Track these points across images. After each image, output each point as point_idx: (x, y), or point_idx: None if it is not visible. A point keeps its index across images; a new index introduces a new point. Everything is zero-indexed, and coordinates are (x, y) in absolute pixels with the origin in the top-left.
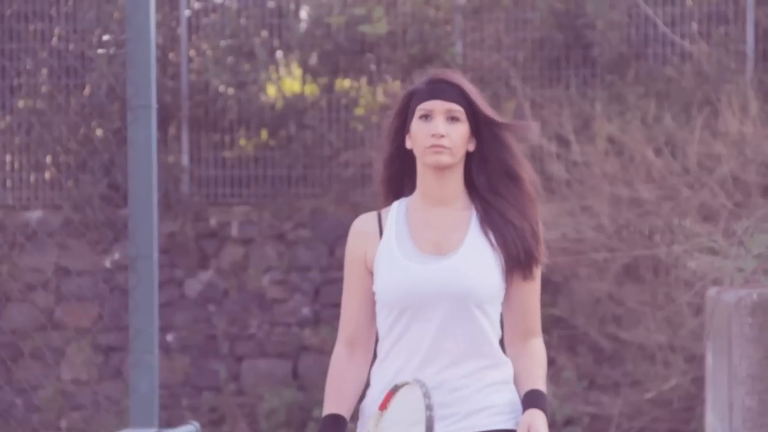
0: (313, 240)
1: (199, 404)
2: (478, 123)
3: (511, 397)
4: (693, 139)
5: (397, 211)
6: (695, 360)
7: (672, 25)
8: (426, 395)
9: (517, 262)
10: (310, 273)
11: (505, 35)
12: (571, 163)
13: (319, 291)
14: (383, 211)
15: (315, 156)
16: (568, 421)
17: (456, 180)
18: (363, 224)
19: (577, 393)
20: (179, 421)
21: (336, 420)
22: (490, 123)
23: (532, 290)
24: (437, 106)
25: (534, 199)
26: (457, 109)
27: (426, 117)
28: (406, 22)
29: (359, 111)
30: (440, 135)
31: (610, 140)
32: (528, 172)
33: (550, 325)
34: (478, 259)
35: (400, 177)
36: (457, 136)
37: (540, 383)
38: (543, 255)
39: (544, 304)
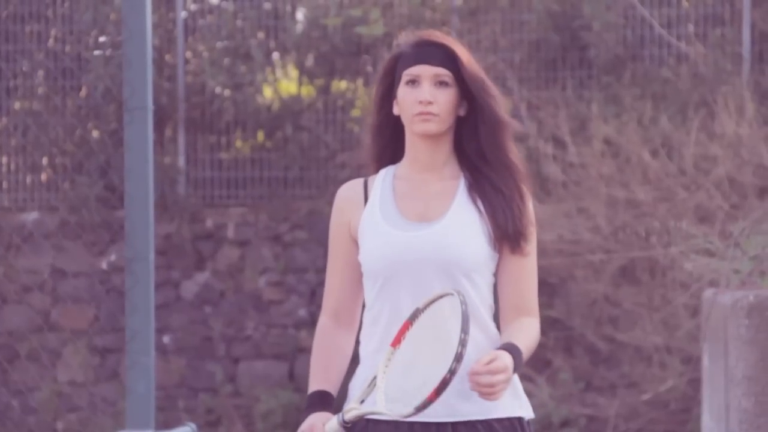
0: (309, 241)
1: (195, 406)
2: (469, 86)
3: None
4: (689, 141)
5: (383, 178)
6: (692, 361)
7: (668, 26)
8: (459, 293)
9: (505, 231)
10: (306, 275)
11: (502, 37)
12: (568, 164)
13: (315, 293)
14: (370, 179)
15: (311, 157)
16: (565, 423)
17: (445, 147)
18: (348, 191)
19: (573, 394)
20: (176, 423)
21: (322, 396)
22: (480, 88)
23: (522, 266)
24: (424, 71)
25: (520, 175)
26: (445, 74)
27: (413, 82)
28: (402, 23)
29: (356, 112)
30: (427, 101)
31: (607, 142)
32: (514, 152)
33: (546, 327)
34: (464, 226)
35: (392, 150)
36: (446, 101)
37: (519, 342)
38: (529, 230)
39: (540, 306)
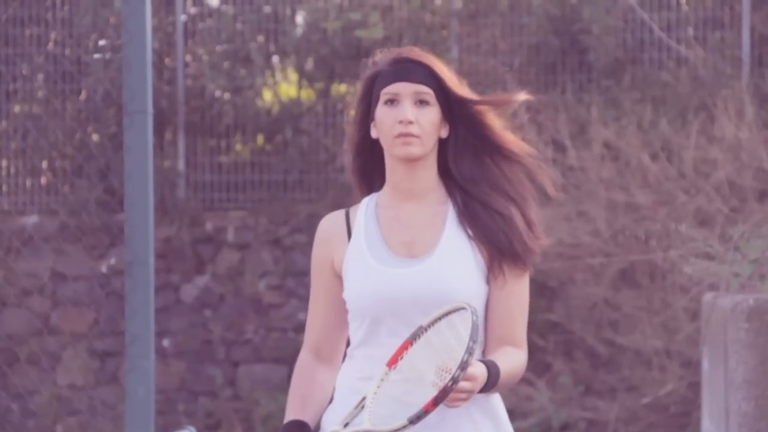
0: (309, 245)
1: (195, 409)
2: (451, 105)
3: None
4: (689, 144)
5: (366, 208)
6: (691, 365)
7: (668, 30)
8: (470, 305)
9: (510, 254)
10: (306, 278)
11: (501, 40)
12: (567, 168)
13: None
14: (351, 210)
15: (311, 161)
16: (565, 427)
17: (429, 171)
18: (330, 224)
19: (573, 398)
20: (175, 427)
21: (300, 426)
22: (465, 103)
23: (515, 292)
24: (403, 88)
25: (528, 179)
26: (426, 92)
27: (392, 102)
28: (402, 27)
29: None
30: (408, 121)
31: (606, 145)
32: (520, 147)
33: (546, 331)
34: (456, 260)
35: (372, 167)
36: (427, 121)
37: (499, 362)
38: (538, 244)
39: (540, 310)
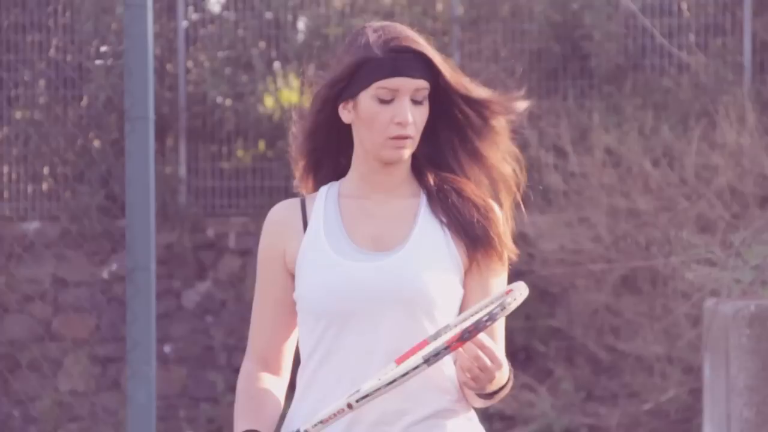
0: None
1: (196, 415)
2: (441, 96)
3: None
4: (690, 150)
5: (326, 197)
6: (693, 371)
7: (669, 36)
8: (522, 286)
9: (485, 244)
10: None
11: (503, 46)
12: (569, 174)
13: None
14: (308, 198)
15: None
16: None
17: (406, 165)
18: (282, 213)
19: (574, 404)
20: None
21: None
22: (463, 98)
23: (494, 292)
24: (404, 85)
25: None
26: (425, 88)
27: (388, 98)
28: None
29: None
30: (408, 123)
31: (608, 151)
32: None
33: (547, 337)
34: (429, 255)
35: (328, 151)
36: (422, 120)
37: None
38: (510, 241)
39: (541, 316)
